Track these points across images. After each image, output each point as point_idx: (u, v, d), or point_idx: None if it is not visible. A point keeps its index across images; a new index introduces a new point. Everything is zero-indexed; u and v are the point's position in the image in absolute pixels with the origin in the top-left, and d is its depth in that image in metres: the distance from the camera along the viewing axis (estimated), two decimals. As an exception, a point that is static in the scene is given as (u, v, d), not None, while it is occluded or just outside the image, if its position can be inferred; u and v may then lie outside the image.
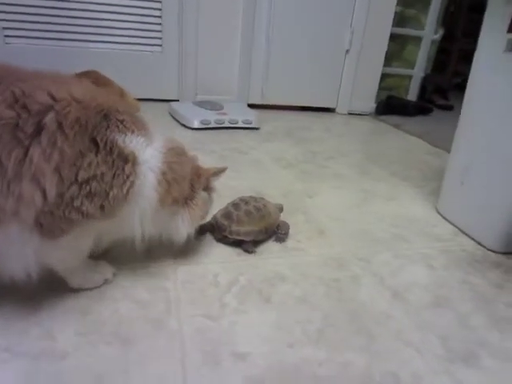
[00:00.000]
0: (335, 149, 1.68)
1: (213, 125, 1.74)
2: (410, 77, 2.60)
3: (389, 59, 2.38)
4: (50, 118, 0.53)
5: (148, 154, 0.63)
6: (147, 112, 1.56)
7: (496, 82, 0.94)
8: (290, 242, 0.92)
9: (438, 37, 2.55)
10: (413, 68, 2.57)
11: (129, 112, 0.63)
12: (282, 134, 1.81)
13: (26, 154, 0.52)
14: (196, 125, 1.72)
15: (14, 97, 0.53)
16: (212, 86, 2.16)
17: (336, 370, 0.59)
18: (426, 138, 1.96)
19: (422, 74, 2.61)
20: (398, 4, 2.21)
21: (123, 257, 0.78)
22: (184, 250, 0.82)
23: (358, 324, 0.69)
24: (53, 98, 0.54)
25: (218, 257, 0.84)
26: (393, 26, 2.24)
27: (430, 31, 2.48)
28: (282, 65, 2.18)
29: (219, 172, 0.79)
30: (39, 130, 0.53)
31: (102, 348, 0.59)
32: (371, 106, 2.38)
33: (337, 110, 2.38)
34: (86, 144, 0.56)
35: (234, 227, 0.85)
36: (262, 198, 0.94)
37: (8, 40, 1.82)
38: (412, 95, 2.64)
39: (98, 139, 0.57)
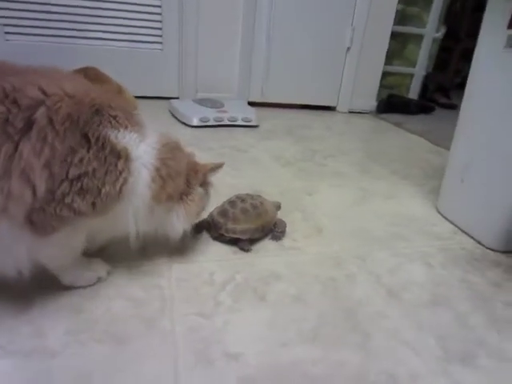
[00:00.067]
0: (335, 147, 1.67)
1: (212, 122, 1.74)
2: (411, 75, 2.58)
3: (390, 57, 2.37)
4: (40, 113, 0.52)
5: (141, 149, 0.62)
6: (147, 110, 1.55)
7: (496, 78, 0.93)
8: (286, 241, 0.91)
9: (439, 35, 2.53)
10: (414, 66, 2.55)
11: (122, 108, 0.62)
12: (282, 132, 1.80)
13: (15, 149, 0.51)
14: (195, 122, 1.71)
15: (4, 92, 0.52)
16: (212, 84, 2.15)
17: (330, 369, 0.59)
18: (427, 136, 1.95)
19: (423, 73, 2.59)
20: (399, 2, 2.20)
21: (118, 254, 0.78)
22: (180, 248, 0.82)
23: (354, 323, 0.68)
24: (44, 92, 0.53)
25: (213, 255, 0.83)
26: (394, 24, 2.23)
27: (431, 29, 2.46)
28: (282, 63, 2.17)
29: (216, 168, 0.78)
30: (29, 125, 0.52)
31: (93, 347, 0.58)
32: (372, 104, 2.37)
33: (337, 108, 2.36)
34: (77, 140, 0.55)
35: (230, 225, 0.84)
36: (259, 196, 0.93)
37: (8, 37, 1.82)
38: (413, 94, 2.62)
39: (90, 135, 0.56)
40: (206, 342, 0.61)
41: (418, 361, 0.62)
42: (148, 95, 2.06)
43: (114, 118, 0.59)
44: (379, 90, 2.39)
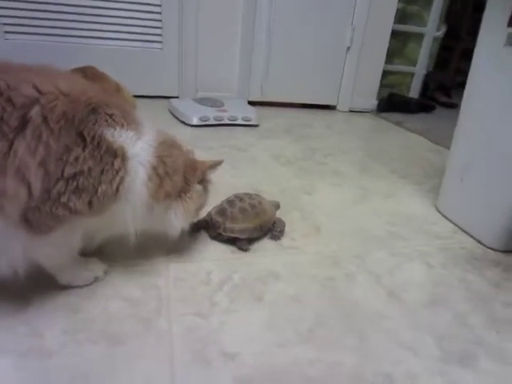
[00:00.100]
0: (335, 146, 1.66)
1: (212, 122, 1.73)
2: (411, 74, 2.57)
3: (390, 56, 2.36)
4: (35, 112, 0.52)
5: (138, 148, 0.62)
6: (147, 109, 1.55)
7: (496, 77, 0.93)
8: (285, 240, 0.90)
9: (440, 34, 2.52)
10: (415, 65, 2.54)
11: (119, 106, 0.61)
12: (282, 131, 1.80)
13: (10, 147, 0.51)
14: (195, 122, 1.70)
15: (-1, 90, 0.52)
16: (212, 83, 2.14)
17: (327, 370, 0.58)
18: (428, 135, 1.94)
19: (424, 72, 2.58)
20: (399, 0, 2.18)
21: (116, 254, 0.77)
22: (178, 248, 0.82)
23: (351, 323, 0.68)
24: (38, 91, 0.53)
25: (211, 254, 0.83)
26: (394, 22, 2.22)
27: (432, 28, 2.45)
28: (282, 62, 2.16)
29: (215, 165, 0.77)
30: (24, 123, 0.52)
31: (89, 347, 0.58)
32: (372, 103, 2.36)
33: (338, 107, 2.36)
34: (72, 138, 0.55)
35: (228, 224, 0.84)
36: (258, 195, 0.93)
37: (8, 36, 1.81)
38: (414, 92, 2.61)
39: (85, 133, 0.55)
40: (202, 341, 0.61)
41: (416, 361, 0.61)
42: (148, 94, 2.05)
43: (111, 116, 0.59)
44: (380, 89, 2.38)
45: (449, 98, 2.77)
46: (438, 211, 1.13)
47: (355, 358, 0.61)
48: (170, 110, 1.88)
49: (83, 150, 0.55)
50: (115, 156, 0.58)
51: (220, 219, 0.85)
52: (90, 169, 0.56)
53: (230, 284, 0.74)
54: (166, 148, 0.66)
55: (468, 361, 0.63)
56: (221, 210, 0.86)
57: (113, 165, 0.58)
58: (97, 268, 0.71)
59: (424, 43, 2.48)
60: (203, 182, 0.76)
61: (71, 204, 0.57)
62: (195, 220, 0.82)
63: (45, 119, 0.52)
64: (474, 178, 1.00)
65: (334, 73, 2.27)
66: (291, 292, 0.74)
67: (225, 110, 1.81)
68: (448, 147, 1.13)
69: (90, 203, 0.58)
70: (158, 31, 2.01)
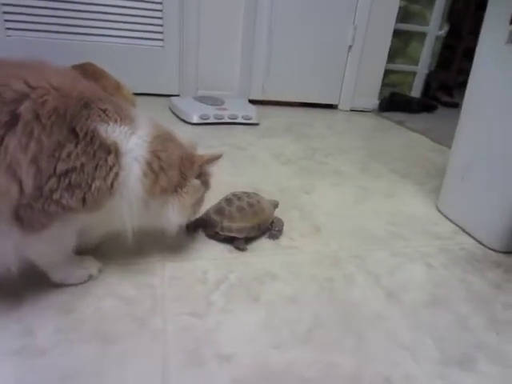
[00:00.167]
0: (336, 145, 1.65)
1: (212, 120, 1.72)
2: (413, 73, 2.55)
3: (392, 55, 2.34)
4: (25, 107, 0.51)
5: (132, 143, 0.61)
6: (147, 107, 1.54)
7: (498, 75, 0.91)
8: (283, 240, 0.89)
9: (442, 33, 2.50)
10: (417, 64, 2.52)
11: (112, 101, 0.60)
12: (283, 130, 1.79)
13: (1, 143, 0.50)
14: (195, 120, 1.69)
15: (-12, 86, 0.51)
16: (213, 82, 2.13)
17: (324, 371, 0.57)
18: (430, 135, 1.92)
19: (426, 71, 2.56)
20: (402, -1, 2.17)
21: (111, 252, 0.77)
22: (174, 246, 0.81)
23: (350, 325, 0.67)
24: (29, 86, 0.52)
25: (208, 253, 0.81)
26: (396, 21, 2.21)
27: (434, 27, 2.43)
28: (283, 61, 2.15)
29: (213, 159, 0.75)
30: (15, 119, 0.51)
31: (82, 346, 0.57)
32: (374, 102, 2.34)
33: (339, 106, 2.34)
34: (64, 134, 0.54)
35: (226, 223, 0.83)
36: (256, 194, 0.92)
37: (9, 32, 1.81)
38: (416, 92, 2.60)
39: (78, 129, 0.54)
40: (197, 342, 0.60)
41: (415, 363, 0.60)
42: (148, 92, 2.05)
43: (104, 111, 0.58)
44: (381, 89, 2.36)
45: (451, 98, 2.75)
46: (439, 211, 1.12)
47: (353, 360, 0.59)
48: (170, 108, 1.87)
49: (76, 145, 0.54)
50: (109, 152, 0.57)
51: (217, 218, 0.83)
52: (82, 165, 0.55)
53: (227, 283, 0.73)
54: (161, 142, 0.65)
55: (468, 363, 0.61)
56: (218, 209, 0.85)
57: (106, 161, 0.57)
58: (91, 266, 0.70)
59: (426, 42, 2.46)
60: (202, 176, 0.74)
61: (64, 201, 0.56)
62: (194, 218, 0.81)
63: (36, 114, 0.51)
64: (475, 177, 0.99)
65: (335, 72, 2.26)
66: (289, 292, 0.72)
67: (225, 109, 1.80)
68: (450, 147, 1.11)
69: (83, 200, 0.57)
70: (159, 29, 2.01)
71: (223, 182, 0.88)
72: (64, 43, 1.88)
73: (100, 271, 0.71)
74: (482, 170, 0.97)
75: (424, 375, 0.58)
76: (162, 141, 0.65)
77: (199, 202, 0.77)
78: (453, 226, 1.05)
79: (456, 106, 2.56)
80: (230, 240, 0.84)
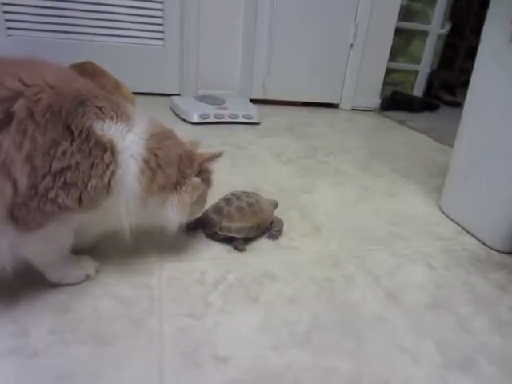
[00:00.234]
0: (337, 145, 1.64)
1: (212, 119, 1.71)
2: (415, 72, 2.54)
3: (394, 54, 2.33)
4: (19, 105, 0.50)
5: (129, 140, 0.60)
6: (148, 106, 1.53)
7: (500, 74, 0.90)
8: (283, 240, 0.88)
9: (445, 31, 2.48)
10: (419, 63, 2.50)
11: (109, 98, 0.59)
12: (283, 130, 1.78)
13: (-6, 141, 0.49)
14: (195, 119, 1.69)
15: (-17, 83, 0.50)
16: (214, 81, 2.12)
17: (322, 374, 0.56)
18: (432, 134, 1.91)
19: (428, 70, 2.55)
20: (404, -3, 2.16)
21: (108, 252, 0.76)
22: (172, 246, 0.80)
23: (349, 326, 0.65)
24: (24, 84, 0.51)
25: (207, 254, 0.81)
26: (398, 19, 2.19)
27: (436, 25, 2.41)
28: (284, 60, 2.14)
29: (214, 157, 0.74)
30: (9, 117, 0.50)
31: (77, 347, 0.56)
32: (376, 101, 2.33)
33: (340, 105, 2.33)
34: (59, 132, 0.53)
35: (225, 223, 0.82)
36: (256, 194, 0.91)
37: (10, 32, 1.81)
38: (418, 91, 2.58)
39: (73, 127, 0.54)
40: (194, 343, 0.59)
41: (415, 367, 0.59)
42: (149, 91, 2.04)
43: (100, 108, 0.57)
44: (383, 87, 2.34)
45: (453, 97, 2.73)
46: (442, 211, 1.10)
47: (352, 363, 0.58)
48: (170, 108, 1.87)
49: (71, 143, 0.54)
50: (105, 150, 0.56)
51: (216, 218, 0.83)
52: (78, 163, 0.54)
53: (225, 284, 0.72)
54: (159, 140, 0.64)
55: (470, 367, 0.60)
56: (217, 209, 0.84)
57: (103, 158, 0.57)
58: (88, 266, 0.70)
59: (428, 41, 2.44)
60: (202, 174, 0.73)
61: (60, 200, 0.55)
62: (196, 216, 0.79)
63: (30, 112, 0.50)
64: (478, 177, 0.98)
65: (336, 71, 2.25)
66: (288, 293, 0.72)
67: (225, 108, 1.79)
68: (452, 146, 1.10)
69: (79, 199, 0.56)
70: (159, 28, 2.00)
71: (223, 182, 0.87)
72: (64, 42, 1.88)
73: (97, 271, 0.70)
74: (485, 169, 0.95)
75: (424, 379, 0.57)
76: (160, 138, 0.64)
77: (200, 200, 0.76)
78: (455, 226, 1.04)
79: (458, 105, 2.54)
80: (228, 240, 0.83)
